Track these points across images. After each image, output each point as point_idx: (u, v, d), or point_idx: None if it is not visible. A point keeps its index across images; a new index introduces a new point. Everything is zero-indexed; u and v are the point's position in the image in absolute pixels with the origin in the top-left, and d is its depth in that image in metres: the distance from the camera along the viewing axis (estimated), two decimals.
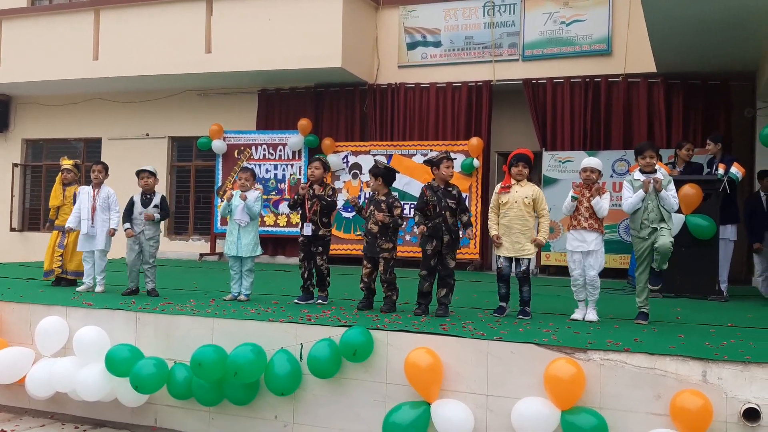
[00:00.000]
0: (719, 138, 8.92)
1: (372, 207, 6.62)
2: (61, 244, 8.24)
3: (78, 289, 7.73)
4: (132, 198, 7.51)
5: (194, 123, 14.32)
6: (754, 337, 5.48)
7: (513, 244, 6.26)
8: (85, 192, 7.81)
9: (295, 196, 7.12)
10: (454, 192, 6.39)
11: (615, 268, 10.80)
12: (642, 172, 6.26)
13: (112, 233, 7.68)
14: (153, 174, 7.59)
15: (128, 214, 7.47)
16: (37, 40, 14.20)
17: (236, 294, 7.17)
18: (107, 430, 6.08)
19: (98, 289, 7.65)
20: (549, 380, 4.75)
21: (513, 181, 6.35)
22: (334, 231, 12.54)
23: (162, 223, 8.01)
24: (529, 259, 6.28)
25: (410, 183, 12.25)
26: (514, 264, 6.33)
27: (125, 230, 7.47)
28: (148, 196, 7.52)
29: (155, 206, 7.48)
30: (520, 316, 6.22)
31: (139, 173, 7.58)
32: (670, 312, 6.45)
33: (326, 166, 7.21)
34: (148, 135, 14.98)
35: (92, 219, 7.67)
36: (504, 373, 5.01)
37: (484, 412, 5.02)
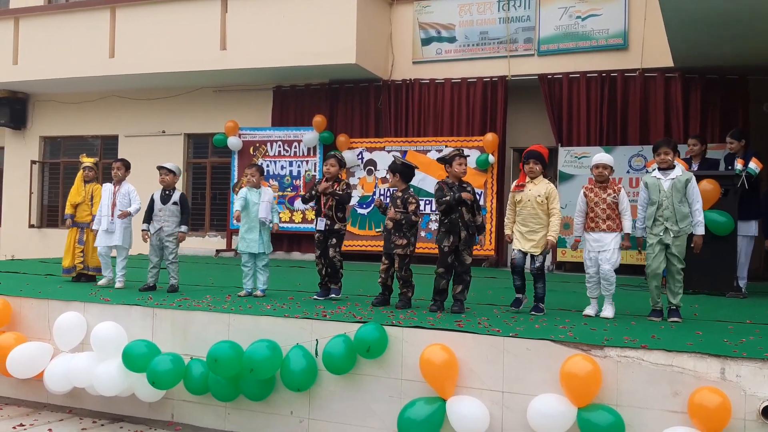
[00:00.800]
0: (739, 134, 8.73)
1: (390, 203, 6.63)
2: (81, 240, 8.32)
3: (99, 283, 7.81)
4: (152, 196, 7.58)
5: (210, 120, 14.39)
6: None
7: (527, 241, 6.23)
8: (106, 189, 7.88)
9: (312, 191, 7.12)
10: (469, 189, 6.37)
11: (632, 264, 10.72)
12: (659, 169, 6.21)
13: (123, 215, 7.63)
14: (171, 171, 7.63)
15: (149, 212, 7.53)
16: (54, 38, 14.31)
17: (250, 290, 7.21)
18: (125, 424, 6.12)
19: (118, 285, 7.71)
20: (565, 377, 4.73)
21: (527, 179, 6.31)
22: (349, 227, 12.56)
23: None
24: (543, 256, 6.25)
25: (425, 179, 12.23)
26: (528, 259, 6.30)
27: (142, 231, 7.53)
28: (168, 192, 7.57)
29: (174, 203, 7.53)
30: (533, 312, 6.20)
31: (159, 169, 7.64)
32: (688, 308, 6.40)
33: (342, 163, 7.22)
34: (164, 132, 15.06)
35: (112, 215, 7.73)
36: (520, 370, 5.00)
37: (500, 409, 5.01)
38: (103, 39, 13.94)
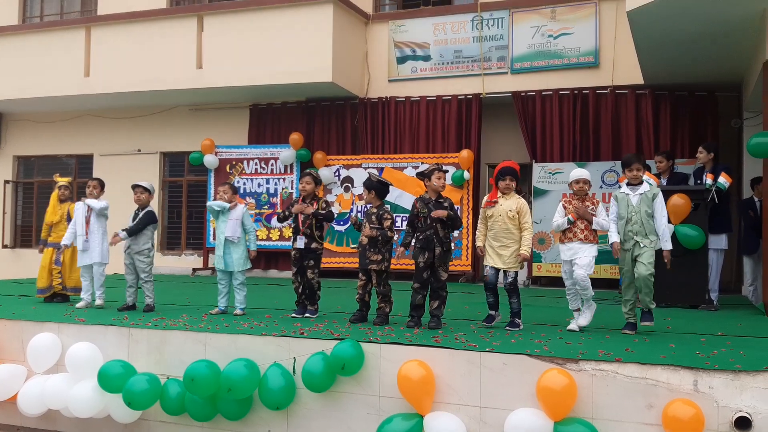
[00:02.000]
0: (712, 147, 8.90)
1: (364, 219, 6.67)
2: (58, 261, 8.27)
3: (77, 305, 7.71)
4: (152, 212, 7.65)
5: (186, 138, 14.35)
6: (745, 346, 5.52)
7: (499, 256, 6.27)
8: (79, 207, 7.83)
9: (285, 212, 7.15)
10: (446, 204, 6.42)
11: (606, 278, 10.84)
12: (629, 184, 6.31)
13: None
14: (147, 189, 7.63)
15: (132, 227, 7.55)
16: (29, 57, 14.19)
17: (223, 308, 7.20)
18: None
19: (98, 302, 7.67)
20: (541, 391, 4.78)
21: (499, 194, 6.37)
22: (326, 244, 12.57)
23: (154, 237, 8.01)
24: (516, 271, 6.30)
25: (401, 196, 12.29)
26: (501, 275, 6.32)
27: (113, 237, 7.52)
28: (139, 210, 7.57)
29: (133, 219, 7.53)
30: (509, 328, 6.23)
31: (134, 188, 7.64)
32: (661, 322, 6.49)
33: (317, 180, 7.26)
34: (139, 150, 14.98)
35: (86, 233, 7.69)
36: (496, 385, 5.03)
37: (477, 424, 5.03)
38: (79, 58, 13.86)
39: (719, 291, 8.69)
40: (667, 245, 6.14)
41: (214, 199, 7.48)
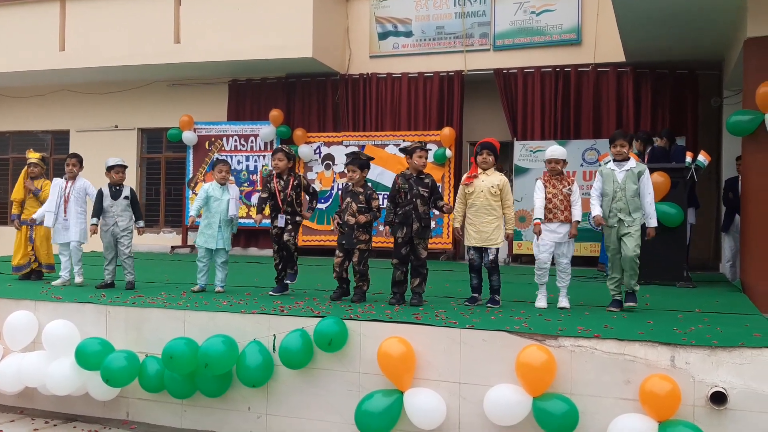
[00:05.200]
0: (667, 133, 9.53)
1: (349, 198, 6.57)
2: (31, 237, 8.17)
3: (54, 283, 7.62)
4: (101, 190, 7.42)
5: (164, 114, 14.16)
6: (721, 322, 5.58)
7: (480, 233, 6.25)
8: (56, 184, 7.71)
9: (263, 194, 7.05)
10: (427, 180, 6.39)
11: (585, 256, 10.92)
12: (615, 160, 6.32)
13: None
14: (125, 167, 7.53)
15: (99, 207, 7.37)
16: (2, 31, 13.90)
17: (203, 285, 7.16)
18: (78, 424, 6.01)
19: (78, 280, 7.59)
20: (520, 367, 4.80)
21: (479, 170, 6.35)
22: (308, 222, 12.52)
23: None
24: (497, 249, 6.30)
25: (383, 173, 12.24)
26: (483, 253, 6.34)
27: (91, 225, 7.37)
28: (118, 187, 7.43)
29: (125, 197, 7.41)
30: (489, 305, 6.25)
31: (112, 168, 7.44)
32: (639, 299, 6.53)
33: (290, 156, 7.04)
34: (117, 127, 14.78)
35: (65, 211, 7.59)
36: (476, 361, 5.05)
37: (457, 400, 5.05)
38: (53, 32, 13.59)
39: (697, 269, 8.80)
40: (652, 222, 6.17)
41: (206, 177, 7.34)
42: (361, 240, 6.46)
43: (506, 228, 6.26)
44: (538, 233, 6.26)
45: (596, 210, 6.25)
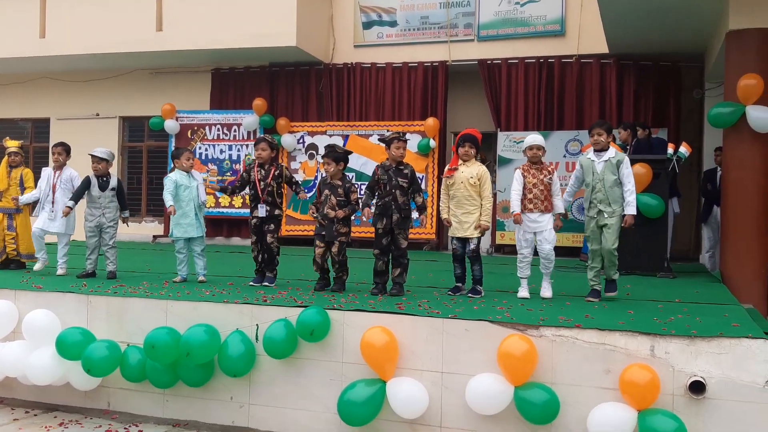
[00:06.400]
0: (628, 125, 9.64)
1: (327, 191, 6.54)
2: (11, 226, 8.07)
3: (35, 267, 7.60)
4: (88, 177, 7.35)
5: (146, 102, 14.05)
6: (701, 312, 5.64)
7: (461, 223, 6.27)
8: (45, 174, 7.67)
9: (238, 182, 7.01)
10: (406, 171, 6.39)
11: (568, 247, 10.98)
12: (594, 151, 6.34)
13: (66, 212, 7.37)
14: (104, 159, 7.39)
15: (81, 192, 7.29)
16: None
17: (185, 275, 7.14)
18: (59, 414, 5.98)
19: (60, 271, 7.53)
20: (502, 357, 4.82)
21: (460, 162, 6.37)
22: (290, 212, 12.49)
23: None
24: (478, 238, 6.31)
25: (366, 163, 12.23)
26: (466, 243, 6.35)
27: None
28: (105, 179, 7.37)
29: (112, 189, 7.36)
30: (471, 295, 6.28)
31: (92, 157, 7.37)
32: (620, 289, 6.59)
33: (273, 146, 6.99)
34: (98, 115, 14.64)
35: (53, 202, 7.52)
36: (458, 351, 5.07)
37: (440, 389, 5.08)
38: (33, 18, 13.42)
39: (677, 259, 8.88)
40: (630, 210, 6.14)
41: (179, 165, 7.25)
42: (341, 233, 6.48)
43: (481, 219, 6.25)
44: (519, 222, 6.28)
45: (559, 206, 6.31)
